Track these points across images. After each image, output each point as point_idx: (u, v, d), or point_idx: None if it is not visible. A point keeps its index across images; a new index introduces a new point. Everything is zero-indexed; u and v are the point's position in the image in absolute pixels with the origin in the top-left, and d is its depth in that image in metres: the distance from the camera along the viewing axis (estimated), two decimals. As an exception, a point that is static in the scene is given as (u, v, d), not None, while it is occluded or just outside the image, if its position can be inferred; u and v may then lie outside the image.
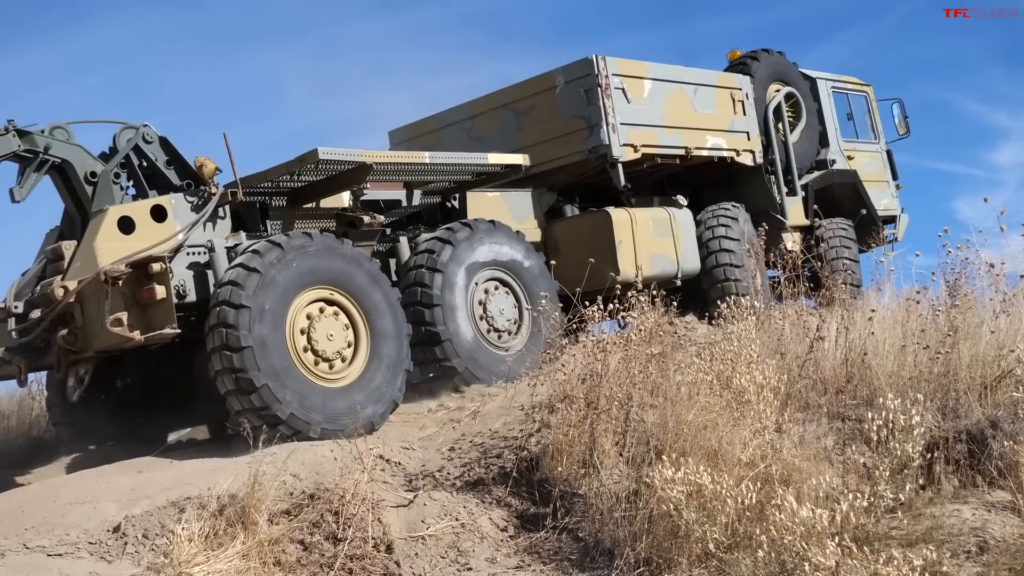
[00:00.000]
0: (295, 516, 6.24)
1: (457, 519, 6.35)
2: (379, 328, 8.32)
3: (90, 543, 6.13)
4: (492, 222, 9.84)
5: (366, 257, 8.61)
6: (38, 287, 8.04)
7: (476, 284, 9.48)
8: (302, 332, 7.95)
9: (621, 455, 6.39)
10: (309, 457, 7.12)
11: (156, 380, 9.21)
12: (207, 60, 29.35)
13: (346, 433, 7.31)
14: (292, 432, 7.53)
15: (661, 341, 7.17)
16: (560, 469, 6.47)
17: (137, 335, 7.47)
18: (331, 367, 8.06)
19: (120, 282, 7.44)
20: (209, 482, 6.54)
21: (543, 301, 8.29)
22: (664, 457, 5.59)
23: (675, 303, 8.04)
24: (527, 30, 32.95)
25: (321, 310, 8.11)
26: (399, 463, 7.28)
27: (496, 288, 9.65)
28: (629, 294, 7.32)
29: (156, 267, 7.52)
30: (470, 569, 5.96)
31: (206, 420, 9.22)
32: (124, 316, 7.42)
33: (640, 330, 7.08)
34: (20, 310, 7.93)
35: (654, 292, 7.52)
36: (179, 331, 7.50)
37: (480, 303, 9.48)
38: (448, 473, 6.98)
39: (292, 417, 7.56)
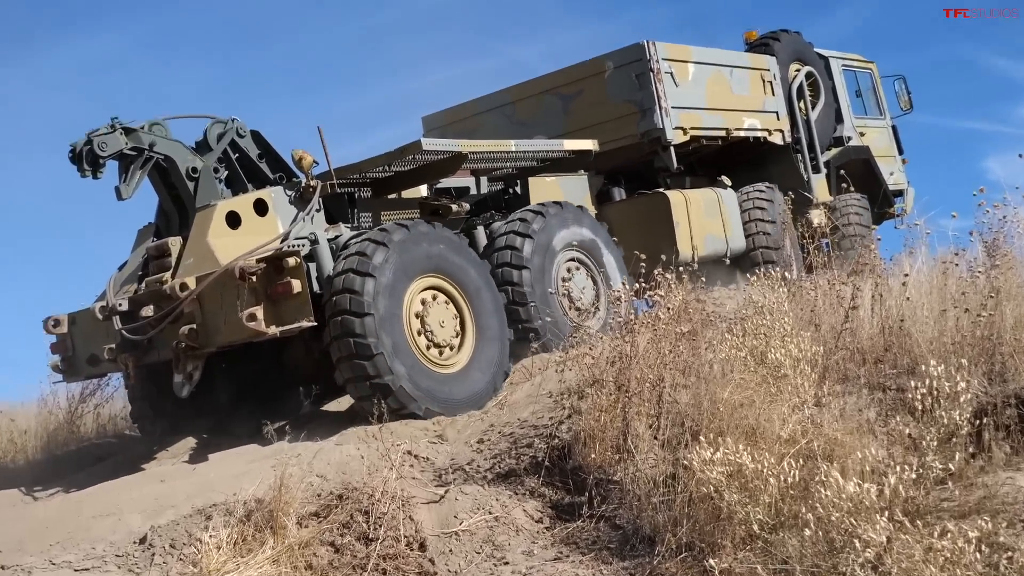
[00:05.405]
0: (324, 518, 6.04)
1: (490, 512, 6.17)
2: (483, 323, 8.28)
3: (117, 556, 6.00)
4: (559, 203, 9.65)
5: (468, 248, 8.53)
6: (142, 284, 7.71)
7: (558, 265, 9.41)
8: (417, 316, 7.85)
9: (656, 438, 6.14)
10: (335, 457, 6.95)
11: (244, 375, 8.91)
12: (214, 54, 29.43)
13: (449, 413, 7.48)
14: (398, 406, 7.33)
15: (690, 319, 6.89)
16: (593, 456, 6.26)
17: (273, 329, 7.17)
18: (441, 353, 8.03)
19: (255, 277, 7.15)
20: (234, 488, 6.32)
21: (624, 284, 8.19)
22: (701, 438, 5.39)
23: (703, 279, 7.78)
24: (534, 10, 32.52)
25: (434, 297, 8.02)
26: (427, 458, 7.07)
27: (578, 268, 9.56)
28: (655, 272, 7.00)
29: (292, 261, 7.28)
30: (507, 563, 5.72)
31: (298, 413, 8.92)
32: (259, 311, 7.10)
33: (668, 309, 6.79)
34: (125, 307, 7.58)
35: (680, 269, 7.20)
36: (315, 323, 7.25)
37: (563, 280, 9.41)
38: (478, 466, 6.79)
39: (401, 391, 7.41)
